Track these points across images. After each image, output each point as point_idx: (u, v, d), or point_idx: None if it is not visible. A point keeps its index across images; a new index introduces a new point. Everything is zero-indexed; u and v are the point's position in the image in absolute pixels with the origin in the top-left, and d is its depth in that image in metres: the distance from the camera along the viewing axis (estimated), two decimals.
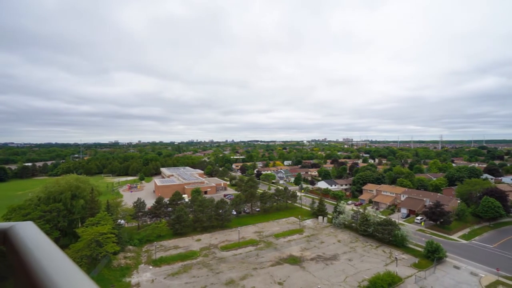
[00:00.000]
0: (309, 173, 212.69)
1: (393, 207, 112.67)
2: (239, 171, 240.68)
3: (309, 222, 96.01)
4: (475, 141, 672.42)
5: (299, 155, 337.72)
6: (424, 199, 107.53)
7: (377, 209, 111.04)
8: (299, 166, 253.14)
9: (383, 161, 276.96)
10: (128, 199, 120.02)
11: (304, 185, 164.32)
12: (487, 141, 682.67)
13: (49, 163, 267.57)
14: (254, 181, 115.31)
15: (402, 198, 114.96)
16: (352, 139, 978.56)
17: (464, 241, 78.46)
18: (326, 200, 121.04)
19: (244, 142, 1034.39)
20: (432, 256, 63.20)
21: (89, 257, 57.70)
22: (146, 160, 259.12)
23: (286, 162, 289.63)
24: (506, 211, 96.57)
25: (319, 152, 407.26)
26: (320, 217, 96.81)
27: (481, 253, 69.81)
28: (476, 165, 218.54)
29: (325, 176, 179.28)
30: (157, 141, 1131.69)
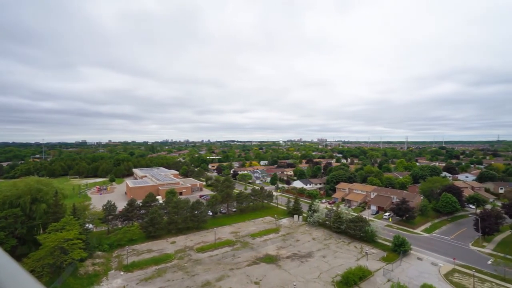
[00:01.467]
0: (285, 172, 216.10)
1: (364, 205, 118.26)
2: (215, 171, 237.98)
3: (285, 221, 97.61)
4: (436, 142, 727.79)
5: (275, 155, 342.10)
6: (392, 196, 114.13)
7: (349, 206, 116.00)
8: (275, 166, 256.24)
9: (355, 161, 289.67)
10: (97, 202, 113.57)
11: (280, 185, 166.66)
12: (446, 142, 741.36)
13: (4, 164, 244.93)
14: (230, 181, 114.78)
15: (372, 196, 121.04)
16: (326, 140, 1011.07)
17: (426, 234, 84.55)
18: (301, 199, 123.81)
19: (220, 142, 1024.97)
20: (398, 249, 67.34)
21: (53, 266, 53.61)
22: (117, 160, 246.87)
23: (262, 162, 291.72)
24: (461, 205, 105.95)
25: (295, 152, 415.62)
26: (296, 216, 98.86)
27: (440, 245, 75.73)
28: (437, 164, 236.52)
29: (300, 175, 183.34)
30: (129, 140, 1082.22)
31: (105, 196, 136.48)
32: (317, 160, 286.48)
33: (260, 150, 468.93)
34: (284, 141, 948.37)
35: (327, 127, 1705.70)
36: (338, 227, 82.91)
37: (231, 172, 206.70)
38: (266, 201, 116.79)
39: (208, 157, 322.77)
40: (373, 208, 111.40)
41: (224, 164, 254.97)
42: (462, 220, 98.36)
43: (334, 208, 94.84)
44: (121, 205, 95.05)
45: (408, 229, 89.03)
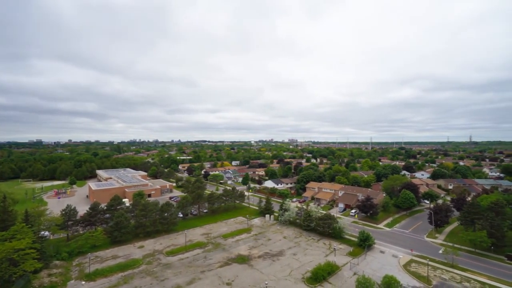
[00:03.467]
0: (256, 172, 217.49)
1: (332, 203, 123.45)
2: (186, 172, 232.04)
3: (256, 220, 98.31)
4: (396, 143, 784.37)
5: (247, 155, 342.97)
6: (358, 194, 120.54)
7: (318, 205, 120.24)
8: (247, 166, 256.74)
9: (324, 161, 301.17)
10: (55, 207, 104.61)
11: (252, 185, 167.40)
12: (405, 143, 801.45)
13: None
14: (201, 182, 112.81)
15: (340, 194, 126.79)
16: (297, 140, 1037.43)
17: (387, 229, 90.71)
18: (272, 198, 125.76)
19: (191, 142, 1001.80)
20: (363, 244, 71.40)
21: (0, 280, 48.23)
22: (79, 161, 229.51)
23: (234, 163, 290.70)
24: (418, 201, 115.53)
25: (266, 153, 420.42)
26: (267, 215, 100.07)
27: (400, 238, 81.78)
28: (397, 163, 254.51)
29: (271, 175, 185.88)
30: (93, 140, 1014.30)
31: (64, 200, 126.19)
32: (288, 160, 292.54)
33: (232, 151, 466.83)
34: (256, 142, 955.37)
35: (298, 128, 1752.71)
36: (308, 225, 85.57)
37: (202, 172, 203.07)
38: (238, 202, 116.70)
39: (178, 158, 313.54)
40: (341, 205, 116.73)
41: (195, 164, 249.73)
42: (418, 215, 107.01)
43: (304, 206, 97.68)
44: (82, 210, 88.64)
45: (372, 224, 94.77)
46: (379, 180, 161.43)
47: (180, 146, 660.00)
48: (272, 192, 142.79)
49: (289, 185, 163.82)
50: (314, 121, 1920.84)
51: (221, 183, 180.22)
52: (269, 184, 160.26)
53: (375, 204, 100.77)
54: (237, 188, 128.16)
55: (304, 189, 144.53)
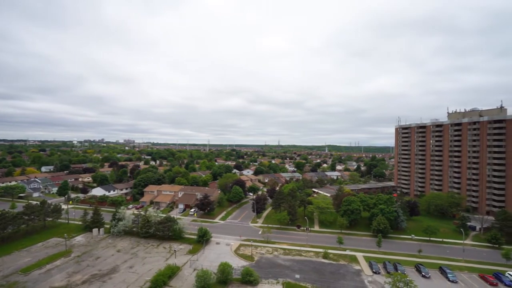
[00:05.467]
0: (80, 179, 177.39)
1: (172, 204, 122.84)
2: None
3: (80, 238, 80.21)
4: (229, 145, 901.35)
5: (66, 158, 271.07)
6: (196, 193, 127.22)
7: (158, 208, 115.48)
8: (65, 172, 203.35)
9: (164, 162, 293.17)
10: None
11: (74, 195, 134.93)
12: (236, 145, 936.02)
13: None
14: None
15: (180, 195, 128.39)
16: (134, 141, 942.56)
17: (222, 222, 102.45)
18: (103, 208, 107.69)
19: None
20: (202, 239, 76.50)
21: None
22: None
23: (45, 168, 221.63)
24: (245, 194, 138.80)
25: (95, 155, 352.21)
26: (96, 230, 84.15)
27: (232, 228, 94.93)
28: (230, 163, 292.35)
29: (102, 181, 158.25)
30: None
31: None
32: (123, 163, 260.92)
33: (42, 152, 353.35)
34: (80, 141, 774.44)
35: (135, 128, 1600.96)
36: (146, 232, 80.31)
37: None
38: (50, 219, 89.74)
39: None
40: (181, 206, 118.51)
41: None
42: (245, 205, 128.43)
43: (142, 212, 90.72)
44: None
45: (210, 220, 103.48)
46: (215, 179, 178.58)
47: None
48: (102, 200, 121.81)
49: (125, 191, 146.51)
50: (153, 121, 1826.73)
51: (21, 197, 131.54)
52: (98, 191, 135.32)
53: (212, 201, 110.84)
54: (50, 201, 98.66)
55: (142, 194, 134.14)
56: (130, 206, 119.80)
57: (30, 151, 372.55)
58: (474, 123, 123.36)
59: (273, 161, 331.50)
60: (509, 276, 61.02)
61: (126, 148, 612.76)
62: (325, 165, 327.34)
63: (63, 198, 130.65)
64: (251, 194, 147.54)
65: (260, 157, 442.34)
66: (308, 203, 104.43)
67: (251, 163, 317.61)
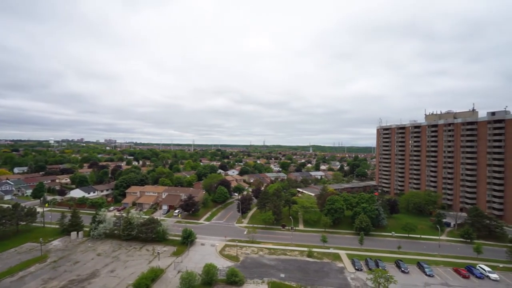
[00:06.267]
0: (57, 181, 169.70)
1: (156, 206, 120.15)
2: None
3: (56, 243, 76.71)
4: (214, 145, 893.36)
5: (42, 159, 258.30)
6: (181, 194, 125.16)
7: (141, 210, 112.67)
8: (41, 173, 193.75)
9: (147, 163, 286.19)
10: None
11: (50, 197, 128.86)
12: (221, 145, 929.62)
13: None
14: None
15: (164, 196, 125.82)
16: (115, 141, 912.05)
17: (207, 222, 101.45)
18: (82, 211, 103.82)
19: None
20: (186, 241, 75.33)
21: None
22: None
23: (17, 169, 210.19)
24: (230, 194, 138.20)
25: (74, 155, 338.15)
26: (74, 233, 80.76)
27: (217, 228, 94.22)
28: (215, 163, 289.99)
29: (81, 182, 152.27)
30: None
31: None
32: (104, 163, 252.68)
33: (14, 153, 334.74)
34: (57, 141, 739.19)
35: (117, 127, 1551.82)
36: (128, 234, 78.10)
37: None
38: (24, 223, 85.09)
39: None
40: (165, 207, 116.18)
41: None
42: (231, 206, 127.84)
43: (124, 214, 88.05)
44: None
45: (194, 221, 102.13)
46: (200, 179, 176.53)
47: None
48: (81, 203, 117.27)
49: (105, 192, 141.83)
50: (135, 120, 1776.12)
51: None
52: (77, 193, 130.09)
53: (197, 201, 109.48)
54: (24, 204, 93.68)
55: (124, 195, 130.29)
56: (112, 208, 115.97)
57: (1, 151, 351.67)
58: (449, 124, 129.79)
59: (258, 161, 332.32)
60: (479, 268, 64.81)
61: (107, 148, 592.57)
62: (309, 165, 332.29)
63: (39, 200, 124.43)
64: (236, 194, 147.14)
65: (245, 157, 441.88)
66: (293, 203, 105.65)
67: (236, 163, 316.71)
